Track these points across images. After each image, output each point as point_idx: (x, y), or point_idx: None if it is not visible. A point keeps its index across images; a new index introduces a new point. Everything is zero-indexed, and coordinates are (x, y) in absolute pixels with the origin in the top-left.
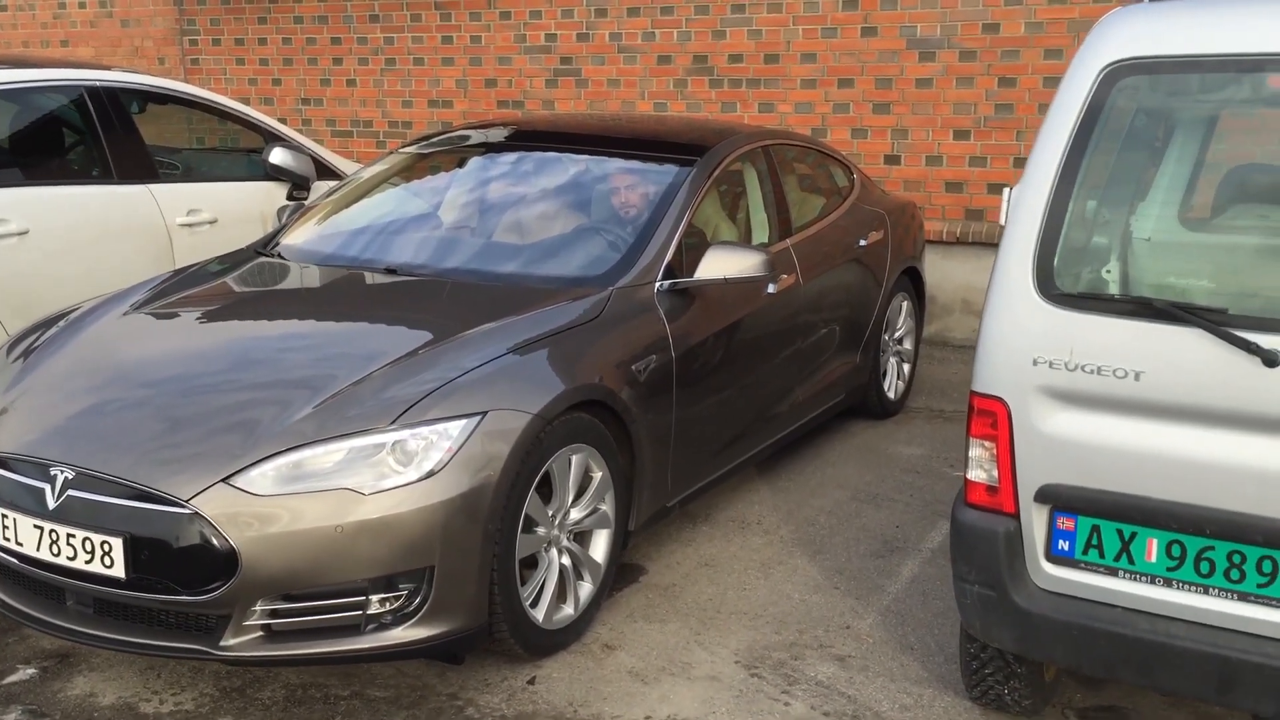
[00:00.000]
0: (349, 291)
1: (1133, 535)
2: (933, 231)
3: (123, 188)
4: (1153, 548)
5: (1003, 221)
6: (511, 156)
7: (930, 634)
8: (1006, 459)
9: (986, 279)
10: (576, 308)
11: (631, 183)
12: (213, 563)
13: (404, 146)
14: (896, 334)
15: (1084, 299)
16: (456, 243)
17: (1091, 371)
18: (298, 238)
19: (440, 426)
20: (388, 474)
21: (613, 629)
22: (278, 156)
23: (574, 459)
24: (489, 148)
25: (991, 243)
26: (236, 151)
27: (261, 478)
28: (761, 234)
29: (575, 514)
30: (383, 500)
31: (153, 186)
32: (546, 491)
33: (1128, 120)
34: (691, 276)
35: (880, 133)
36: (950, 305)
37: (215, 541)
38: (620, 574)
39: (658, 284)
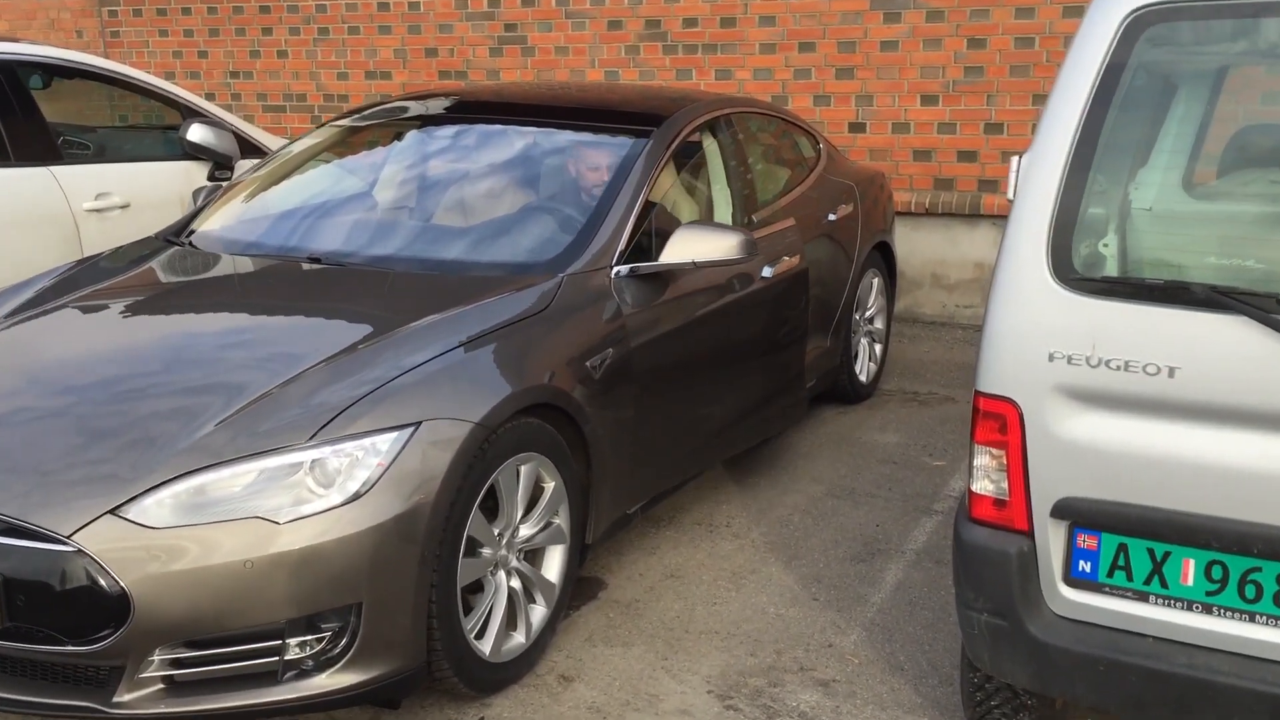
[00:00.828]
0: (267, 285)
1: (1166, 555)
2: (901, 202)
3: (20, 170)
4: (1189, 569)
5: (1010, 195)
6: (451, 130)
7: (921, 651)
8: (1018, 468)
9: (957, 251)
10: (523, 298)
11: (582, 158)
12: (101, 607)
13: (334, 120)
14: (868, 313)
15: (1108, 284)
16: (389, 227)
17: (1117, 368)
18: (213, 224)
19: (367, 441)
20: (306, 498)
21: (570, 656)
22: (196, 133)
23: (523, 470)
24: (425, 121)
25: (961, 213)
26: (153, 129)
27: (157, 507)
28: (724, 210)
29: (525, 531)
30: (300, 529)
31: (55, 168)
32: (492, 507)
33: (1155, 75)
34: (655, 260)
35: (844, 99)
36: (919, 279)
37: (103, 583)
38: (578, 589)
39: (614, 269)
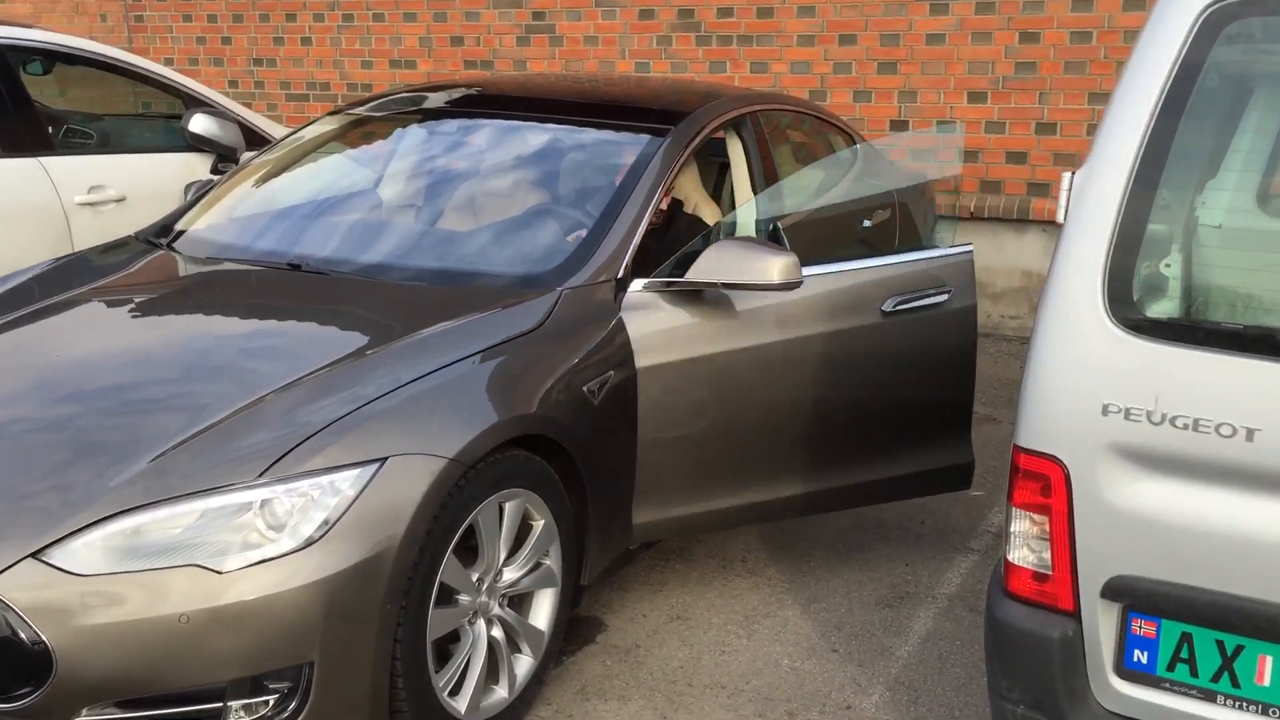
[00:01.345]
0: (241, 296)
1: (1238, 649)
2: (944, 206)
3: (6, 161)
4: (1265, 667)
5: (1061, 218)
6: (452, 127)
7: (951, 717)
8: (1064, 539)
9: (1003, 258)
10: (515, 315)
11: (592, 158)
12: (21, 662)
13: (332, 113)
14: None
15: (1175, 326)
16: (378, 231)
17: (1184, 426)
18: (196, 224)
19: (324, 479)
20: (254, 543)
21: (559, 712)
22: (199, 124)
23: (507, 507)
24: (427, 116)
25: (1009, 218)
26: (155, 118)
27: (86, 550)
28: (749, 217)
29: (510, 574)
30: (245, 579)
31: (46, 159)
32: (473, 547)
33: (1237, 78)
34: (680, 276)
35: (886, 95)
36: None
37: (23, 635)
38: (574, 630)
39: (620, 283)
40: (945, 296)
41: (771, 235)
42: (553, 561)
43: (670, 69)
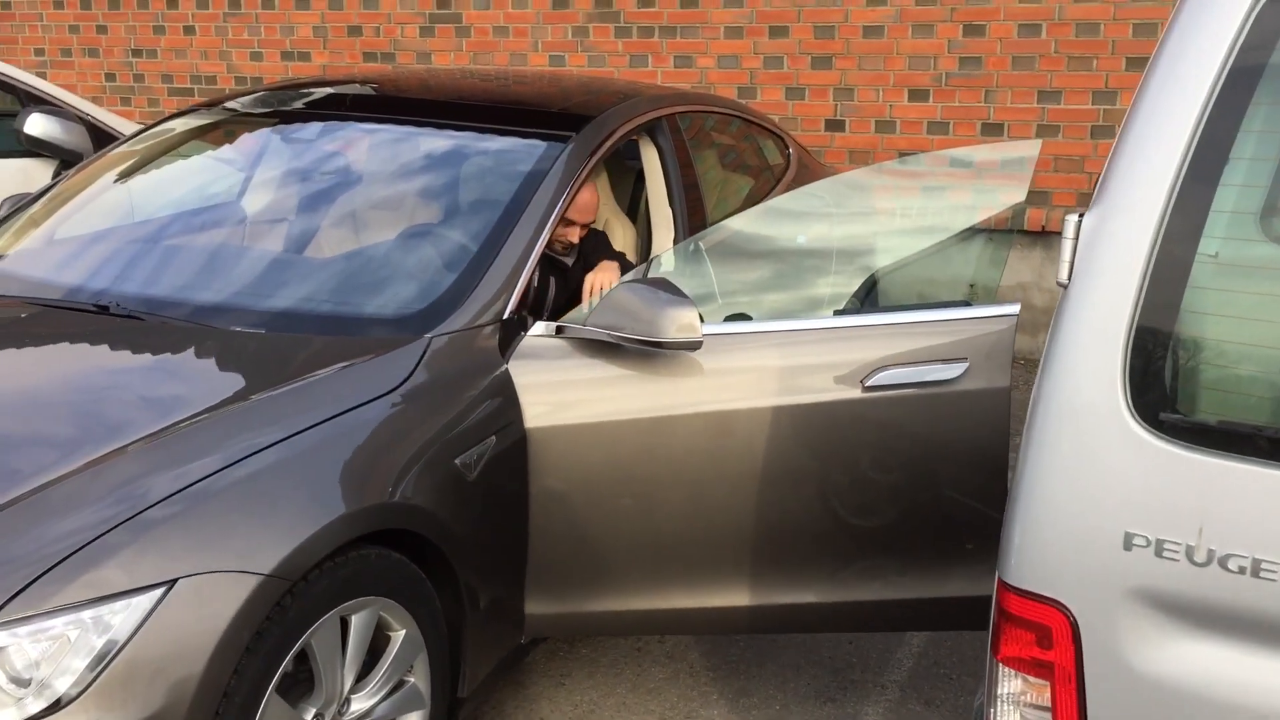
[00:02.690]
0: (15, 349)
1: None
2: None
3: None
4: None
5: (1064, 277)
6: (314, 131)
7: None
8: (1071, 711)
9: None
10: (366, 373)
11: (478, 170)
12: None
13: (173, 116)
14: None
15: (1231, 432)
16: (211, 260)
17: (1240, 570)
18: (7, 249)
19: (85, 615)
20: None
21: None
22: (36, 125)
23: (355, 620)
24: (286, 118)
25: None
26: None
27: None
28: (666, 236)
29: (362, 703)
30: None
31: None
32: (307, 677)
33: None
34: (567, 319)
35: (820, 92)
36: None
37: None
38: None
39: (521, 327)
40: (959, 371)
41: (688, 269)
42: (419, 678)
43: (587, 63)
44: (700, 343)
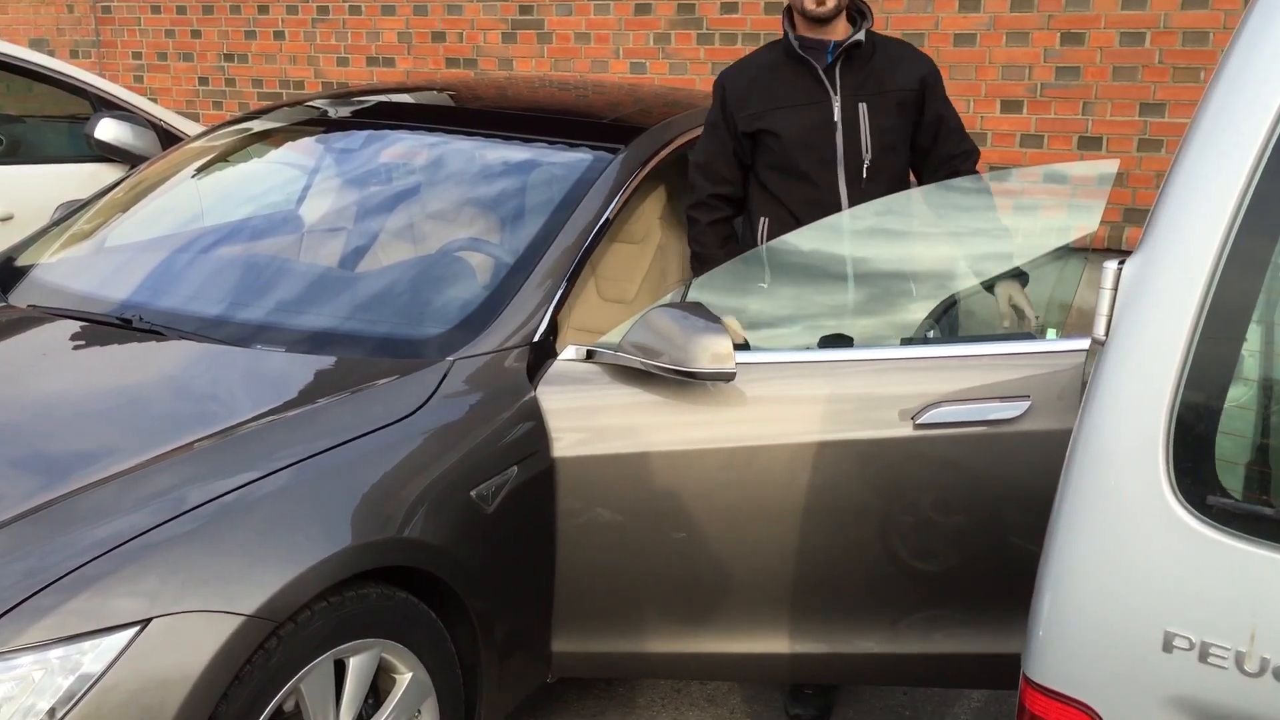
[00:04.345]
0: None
1: None
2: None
3: None
4: None
5: (1101, 333)
6: (357, 142)
7: None
8: None
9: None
10: (380, 398)
11: (520, 183)
12: None
13: (223, 125)
14: None
15: None
16: (245, 276)
17: None
18: (44, 258)
19: (52, 654)
20: None
21: None
22: (106, 130)
23: (353, 663)
24: (331, 128)
25: None
26: (60, 123)
27: None
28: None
29: None
30: None
31: None
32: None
33: None
34: (599, 344)
35: None
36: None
37: None
38: None
39: (553, 351)
40: (1019, 410)
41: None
42: None
43: (669, 70)
44: (733, 374)
